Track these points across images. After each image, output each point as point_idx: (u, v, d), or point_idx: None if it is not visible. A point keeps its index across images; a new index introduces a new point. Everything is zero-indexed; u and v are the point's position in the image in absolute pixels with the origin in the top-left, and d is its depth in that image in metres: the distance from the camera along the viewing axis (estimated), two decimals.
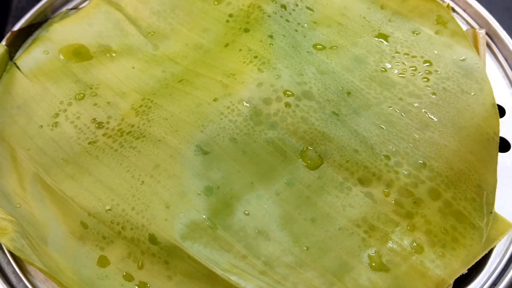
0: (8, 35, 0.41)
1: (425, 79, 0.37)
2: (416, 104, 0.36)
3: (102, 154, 0.34)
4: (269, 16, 0.39)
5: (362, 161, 0.34)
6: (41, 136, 0.36)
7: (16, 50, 0.41)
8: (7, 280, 0.32)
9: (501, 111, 0.38)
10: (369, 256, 0.32)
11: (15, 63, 0.40)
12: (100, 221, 0.32)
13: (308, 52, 0.38)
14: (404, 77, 0.37)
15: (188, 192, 0.32)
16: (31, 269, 0.33)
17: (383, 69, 0.37)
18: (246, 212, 0.32)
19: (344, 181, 0.34)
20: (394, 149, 0.34)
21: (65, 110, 0.37)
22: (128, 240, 0.32)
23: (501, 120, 0.36)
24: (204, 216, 0.31)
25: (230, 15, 0.41)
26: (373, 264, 0.31)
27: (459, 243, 0.32)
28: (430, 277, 0.31)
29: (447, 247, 0.32)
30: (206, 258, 0.30)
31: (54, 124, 0.37)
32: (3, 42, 0.40)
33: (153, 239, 0.31)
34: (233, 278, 0.30)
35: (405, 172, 0.34)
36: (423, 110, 0.36)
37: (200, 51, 0.40)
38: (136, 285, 0.31)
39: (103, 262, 0.32)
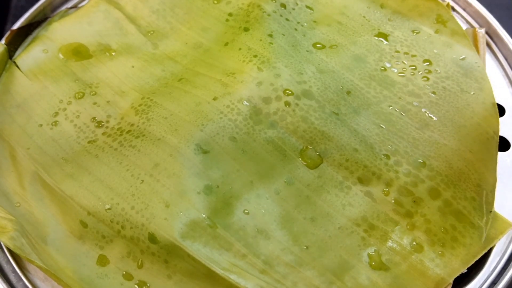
0: (7, 34, 0.41)
1: (425, 78, 0.37)
2: (415, 103, 0.36)
3: (101, 153, 0.34)
4: (268, 15, 0.39)
5: (362, 160, 0.34)
6: (41, 135, 0.36)
7: (16, 49, 0.41)
8: (6, 279, 0.32)
9: (501, 110, 0.38)
10: (368, 255, 0.32)
11: (14, 62, 0.40)
12: (99, 220, 0.32)
13: (307, 51, 0.38)
14: (403, 76, 0.37)
15: (188, 191, 0.32)
16: (30, 268, 0.33)
17: (383, 68, 0.37)
18: (245, 211, 0.32)
19: (344, 180, 0.34)
20: (393, 148, 0.34)
21: (64, 109, 0.37)
22: (128, 239, 0.32)
23: (501, 119, 0.36)
24: (203, 215, 0.31)
25: (230, 14, 0.41)
26: (373, 263, 0.31)
27: (458, 242, 0.32)
28: (430, 276, 0.31)
29: (446, 246, 0.32)
30: (206, 257, 0.30)
31: (53, 123, 0.37)
32: (3, 41, 0.40)
33: (152, 238, 0.31)
34: (233, 277, 0.30)
35: (405, 171, 0.34)
36: (422, 109, 0.36)
37: (199, 50, 0.40)
38: (136, 284, 0.31)
39: (102, 261, 0.32)
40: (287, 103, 0.35)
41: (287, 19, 0.39)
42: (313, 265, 0.31)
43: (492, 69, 0.40)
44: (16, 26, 0.41)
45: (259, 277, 0.30)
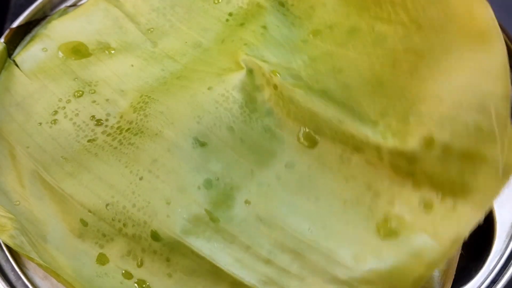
0: (6, 32, 0.41)
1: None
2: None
3: (101, 152, 0.34)
4: (265, 9, 0.39)
5: (349, 131, 0.32)
6: (40, 134, 0.36)
7: (15, 48, 0.41)
8: (5, 278, 0.32)
9: None
10: (377, 225, 0.30)
11: (13, 61, 0.39)
12: (100, 219, 0.32)
13: (302, 40, 0.37)
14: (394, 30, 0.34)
15: (188, 186, 0.32)
16: (29, 266, 0.32)
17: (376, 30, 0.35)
18: (247, 201, 0.32)
19: (343, 153, 0.32)
20: (382, 111, 0.32)
21: (64, 108, 0.37)
22: (129, 237, 0.31)
23: None
24: (205, 210, 0.31)
25: (230, 14, 0.41)
26: (382, 232, 0.30)
27: (470, 187, 0.28)
28: (442, 236, 0.28)
29: (458, 196, 0.28)
30: (210, 252, 0.30)
31: (53, 122, 0.36)
32: (2, 40, 0.40)
33: (155, 235, 0.31)
34: (237, 272, 0.30)
35: (394, 131, 0.31)
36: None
37: (199, 50, 0.40)
38: (135, 283, 0.31)
39: (102, 260, 0.32)
40: (275, 87, 0.34)
41: (284, 14, 0.39)
42: (319, 248, 0.31)
43: None
44: (15, 24, 0.41)
45: (264, 268, 0.30)
